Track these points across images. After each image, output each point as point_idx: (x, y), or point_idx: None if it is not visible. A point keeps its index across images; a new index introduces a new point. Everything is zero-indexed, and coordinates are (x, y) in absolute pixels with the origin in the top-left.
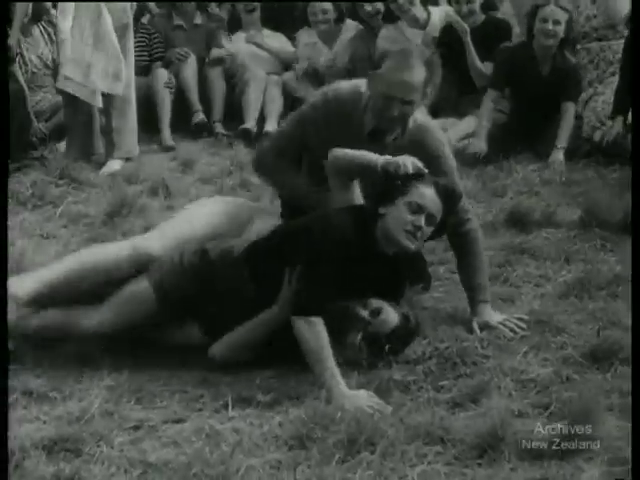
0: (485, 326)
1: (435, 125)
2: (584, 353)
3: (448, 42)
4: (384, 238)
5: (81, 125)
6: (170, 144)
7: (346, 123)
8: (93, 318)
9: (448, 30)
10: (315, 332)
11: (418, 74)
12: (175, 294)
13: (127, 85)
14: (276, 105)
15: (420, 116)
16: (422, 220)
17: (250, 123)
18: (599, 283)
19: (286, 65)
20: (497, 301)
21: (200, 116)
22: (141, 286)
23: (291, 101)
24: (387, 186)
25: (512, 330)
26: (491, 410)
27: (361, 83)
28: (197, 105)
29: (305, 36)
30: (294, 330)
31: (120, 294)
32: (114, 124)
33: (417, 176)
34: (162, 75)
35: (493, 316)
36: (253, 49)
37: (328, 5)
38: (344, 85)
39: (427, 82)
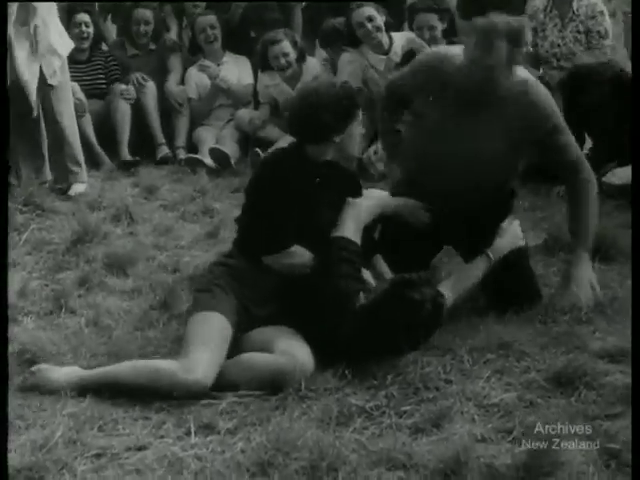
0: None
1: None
2: (548, 378)
3: None
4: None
5: (31, 155)
6: (128, 158)
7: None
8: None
9: (410, 56)
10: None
11: None
12: None
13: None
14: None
15: (522, 72)
16: None
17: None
18: (563, 307)
19: (238, 100)
20: (462, 326)
21: (164, 150)
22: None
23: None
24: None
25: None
26: (454, 435)
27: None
28: (160, 137)
29: (267, 78)
30: (272, 264)
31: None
32: (65, 151)
33: None
34: (118, 87)
35: (586, 271)
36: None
37: (288, 48)
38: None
39: None
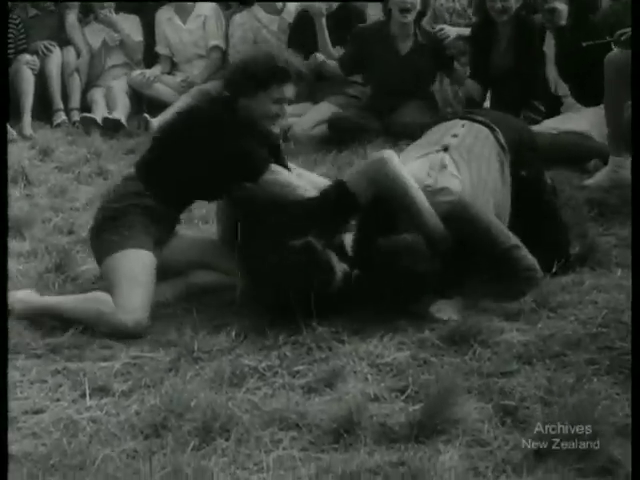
0: None
1: None
2: (442, 336)
3: (302, 28)
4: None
5: None
6: (28, 134)
7: None
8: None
9: (303, 16)
10: None
11: None
12: None
13: None
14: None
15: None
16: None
17: (117, 113)
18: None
19: (132, 55)
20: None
21: (61, 117)
22: None
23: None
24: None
25: None
26: (347, 394)
27: None
28: (59, 103)
29: (164, 13)
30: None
31: None
32: None
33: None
34: (24, 58)
35: None
36: (104, 40)
37: None
38: None
39: None
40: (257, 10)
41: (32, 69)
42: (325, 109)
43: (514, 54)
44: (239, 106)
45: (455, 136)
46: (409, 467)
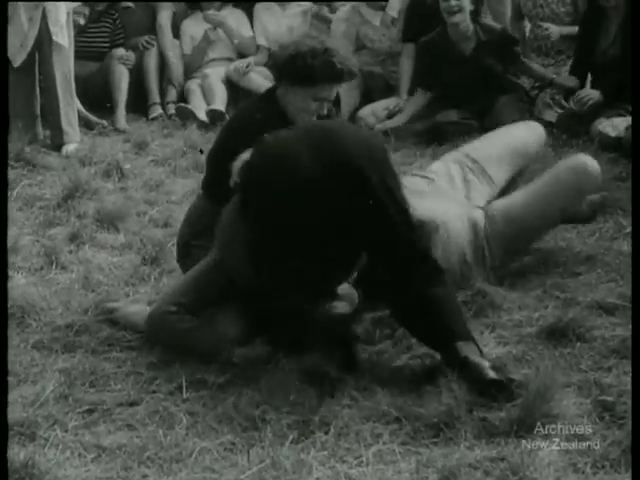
0: None
1: None
2: (540, 331)
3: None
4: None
5: (23, 111)
6: (123, 128)
7: None
8: None
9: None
10: None
11: None
12: None
13: (68, 73)
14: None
15: None
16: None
17: (217, 104)
18: (557, 260)
19: (240, 51)
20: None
21: (158, 111)
22: None
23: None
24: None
25: None
26: (448, 389)
27: None
28: (155, 97)
29: (263, 3)
30: None
31: None
32: (62, 111)
33: None
34: (117, 52)
35: None
36: (205, 33)
37: None
38: None
39: None
40: (360, 5)
41: (125, 64)
42: (420, 99)
43: (622, 42)
44: (277, 95)
45: None
46: (508, 462)
